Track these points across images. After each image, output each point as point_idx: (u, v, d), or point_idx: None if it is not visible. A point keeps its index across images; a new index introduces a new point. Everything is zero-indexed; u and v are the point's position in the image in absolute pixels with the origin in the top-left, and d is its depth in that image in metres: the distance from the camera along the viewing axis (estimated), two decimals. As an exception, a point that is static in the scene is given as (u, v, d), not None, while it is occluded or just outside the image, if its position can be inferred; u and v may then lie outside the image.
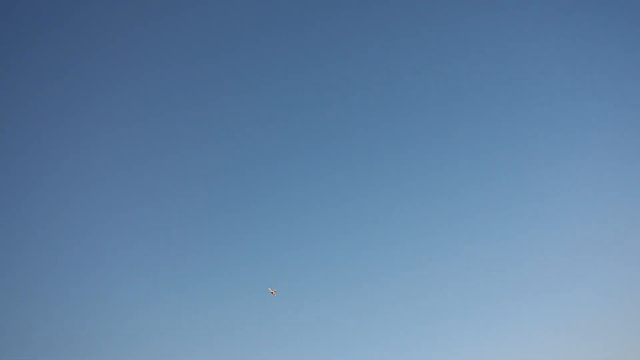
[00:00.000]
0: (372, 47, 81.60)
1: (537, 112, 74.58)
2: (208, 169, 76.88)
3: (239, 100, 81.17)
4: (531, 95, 75.49)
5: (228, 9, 78.46)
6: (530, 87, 75.72)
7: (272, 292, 53.42)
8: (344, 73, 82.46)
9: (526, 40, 75.50)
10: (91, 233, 66.33)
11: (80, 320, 57.79)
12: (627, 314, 55.00)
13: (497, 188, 73.68)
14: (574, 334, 56.37)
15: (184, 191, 73.58)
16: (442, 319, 62.10)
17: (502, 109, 77.75)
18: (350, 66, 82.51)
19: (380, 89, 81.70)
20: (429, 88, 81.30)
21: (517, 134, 75.45)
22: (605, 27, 70.59)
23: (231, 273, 67.47)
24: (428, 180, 76.19)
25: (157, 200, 72.05)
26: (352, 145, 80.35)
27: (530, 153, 73.31)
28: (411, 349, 59.07)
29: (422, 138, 79.58)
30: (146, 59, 76.99)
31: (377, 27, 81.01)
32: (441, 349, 58.42)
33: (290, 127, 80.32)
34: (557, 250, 64.75)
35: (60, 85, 71.60)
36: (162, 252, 67.66)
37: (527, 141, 74.01)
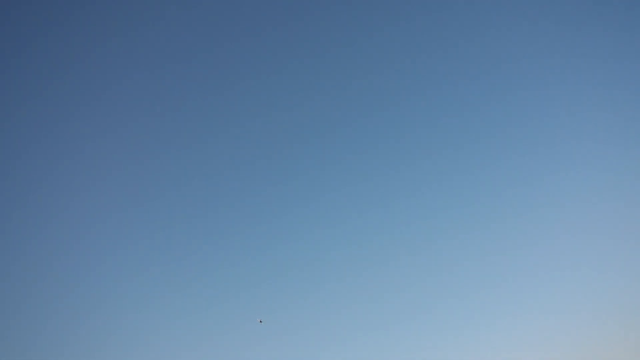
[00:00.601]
0: (371, 46, 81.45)
1: (537, 113, 74.46)
2: (206, 167, 76.61)
3: (238, 98, 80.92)
4: (531, 96, 75.42)
5: (222, 3, 78.32)
6: (530, 88, 75.68)
7: (260, 321, 54.26)
8: (342, 71, 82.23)
9: (526, 41, 75.47)
10: (88, 232, 66.15)
11: (78, 320, 57.66)
12: (628, 315, 55.07)
13: (496, 187, 73.56)
14: (573, 334, 56.42)
15: (182, 189, 73.35)
16: (441, 318, 62.02)
17: (502, 109, 77.61)
18: (349, 65, 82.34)
19: (378, 87, 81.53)
20: (428, 86, 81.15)
21: (517, 133, 75.34)
22: (606, 28, 70.62)
23: (230, 271, 67.32)
24: (426, 178, 76.01)
25: (154, 199, 71.79)
26: (351, 144, 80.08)
27: (530, 153, 73.25)
28: (410, 348, 59.01)
29: (421, 137, 79.38)
30: (141, 57, 76.71)
31: (376, 26, 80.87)
32: (440, 349, 58.38)
33: (289, 126, 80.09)
34: (558, 250, 64.74)
35: (51, 83, 71.29)
36: (160, 250, 67.46)
37: (527, 141, 73.92)
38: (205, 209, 73.10)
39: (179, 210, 72.72)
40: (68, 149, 70.76)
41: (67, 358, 53.95)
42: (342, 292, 66.47)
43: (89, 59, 73.92)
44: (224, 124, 79.60)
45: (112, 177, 71.45)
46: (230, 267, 68.26)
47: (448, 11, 79.66)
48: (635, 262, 59.25)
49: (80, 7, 73.44)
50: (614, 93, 68.40)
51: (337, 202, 75.11)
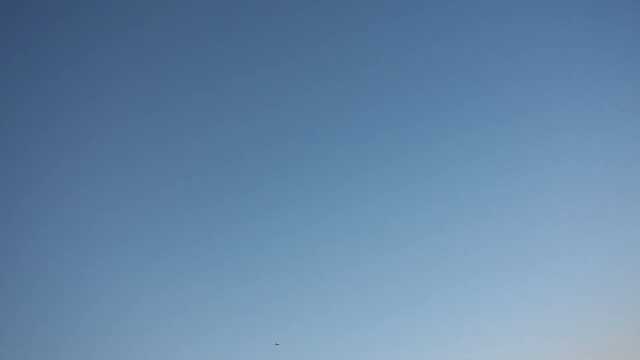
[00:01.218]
0: (363, 39, 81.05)
1: (536, 112, 74.15)
2: (200, 164, 76.34)
3: (236, 97, 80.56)
4: (531, 95, 75.07)
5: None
6: (530, 87, 75.30)
7: (276, 345, 54.25)
8: (332, 64, 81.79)
9: (526, 40, 75.12)
10: (80, 228, 65.97)
11: (75, 318, 57.58)
12: (628, 316, 55.02)
13: (496, 187, 73.32)
14: (573, 335, 56.37)
15: (177, 185, 73.18)
16: (436, 314, 61.99)
17: (498, 103, 77.24)
18: (339, 57, 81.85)
19: (369, 81, 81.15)
20: (422, 80, 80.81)
21: (515, 133, 75.01)
22: (606, 28, 70.29)
23: (224, 268, 67.24)
24: (420, 172, 75.78)
25: (151, 196, 71.54)
26: (342, 139, 79.85)
27: (529, 153, 72.95)
28: (406, 346, 59.02)
29: (414, 131, 79.09)
30: (134, 53, 76.21)
31: (369, 19, 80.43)
32: (436, 346, 58.38)
33: (282, 122, 79.72)
34: (557, 249, 64.59)
35: (39, 80, 70.89)
36: (158, 248, 67.31)
37: (526, 141, 73.63)
38: (199, 206, 72.75)
39: (174, 206, 72.29)
40: (62, 147, 70.31)
41: (66, 358, 53.88)
42: (338, 289, 66.28)
43: (80, 55, 73.29)
44: (219, 120, 79.09)
45: (105, 174, 70.92)
46: (223, 263, 68.05)
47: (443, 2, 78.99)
48: (636, 258, 59.10)
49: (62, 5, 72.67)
50: (614, 87, 68.13)
51: (331, 197, 74.81)
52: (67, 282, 60.39)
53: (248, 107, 78.76)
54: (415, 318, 61.71)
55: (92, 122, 72.30)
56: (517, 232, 67.25)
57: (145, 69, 75.82)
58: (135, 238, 66.49)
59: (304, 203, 73.63)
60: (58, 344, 54.59)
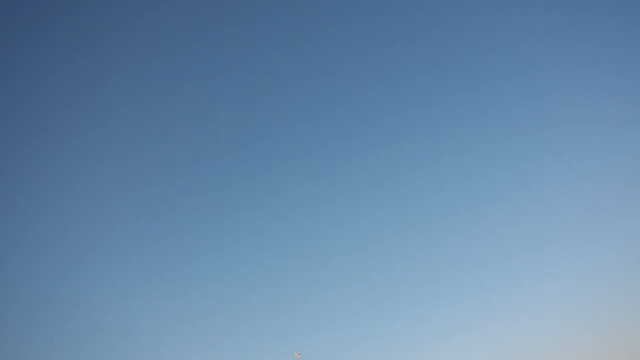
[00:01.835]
0: (367, 44, 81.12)
1: (536, 111, 74.18)
2: (201, 165, 76.29)
3: (235, 97, 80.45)
4: (530, 93, 75.07)
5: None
6: (529, 85, 75.28)
7: (297, 355, 54.04)
8: (338, 69, 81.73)
9: (525, 38, 75.13)
10: (79, 228, 65.80)
11: (74, 320, 57.41)
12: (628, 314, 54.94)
13: (495, 186, 73.32)
14: (573, 335, 56.29)
15: (179, 188, 73.01)
16: (442, 319, 61.82)
17: (500, 106, 77.26)
18: (345, 63, 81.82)
19: (373, 84, 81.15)
20: (425, 84, 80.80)
21: (515, 133, 75.01)
22: (606, 26, 70.32)
23: (228, 271, 67.06)
24: (425, 179, 75.71)
25: (149, 194, 71.36)
26: (350, 144, 79.72)
27: (531, 155, 72.94)
28: (411, 350, 58.89)
29: (419, 137, 79.05)
30: (124, 47, 76.06)
31: (373, 24, 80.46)
32: (440, 350, 58.23)
33: (292, 127, 79.69)
34: (557, 249, 64.55)
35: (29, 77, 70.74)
36: (159, 251, 67.14)
37: (528, 142, 73.58)
38: (203, 208, 72.58)
39: (172, 204, 72.06)
40: (55, 145, 70.05)
41: (65, 357, 53.72)
42: (344, 294, 66.12)
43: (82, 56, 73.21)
44: (218, 121, 78.93)
45: (101, 171, 70.67)
46: (228, 266, 67.89)
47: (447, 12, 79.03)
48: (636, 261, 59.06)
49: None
50: (615, 81, 68.11)
51: (338, 203, 74.63)
52: (61, 282, 60.25)
53: (244, 104, 78.53)
54: (415, 318, 61.66)
55: (86, 119, 72.05)
56: (519, 228, 67.16)
57: (139, 64, 75.52)
58: (131, 236, 66.40)
59: (311, 208, 73.47)
60: (55, 344, 54.48)
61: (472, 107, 76.64)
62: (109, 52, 75.25)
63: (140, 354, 55.55)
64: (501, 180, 72.16)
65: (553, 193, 67.96)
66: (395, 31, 79.83)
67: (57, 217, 65.94)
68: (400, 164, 76.20)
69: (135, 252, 65.58)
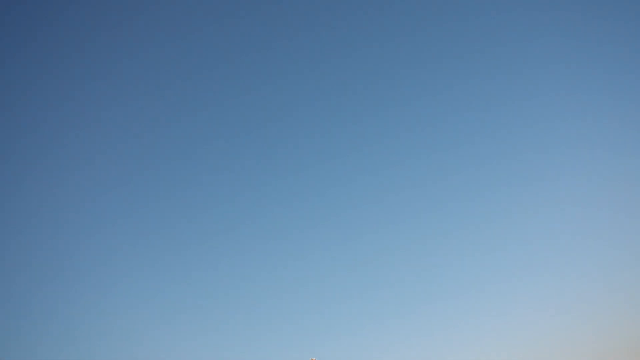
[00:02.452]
0: (366, 43, 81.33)
1: (536, 112, 74.42)
2: (198, 163, 76.59)
3: (235, 98, 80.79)
4: (531, 94, 75.19)
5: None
6: (528, 82, 75.55)
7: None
8: (332, 65, 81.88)
9: (525, 38, 75.36)
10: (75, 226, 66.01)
11: (76, 319, 57.60)
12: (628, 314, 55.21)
13: (493, 183, 73.66)
14: (572, 334, 56.55)
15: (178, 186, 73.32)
16: (438, 317, 62.13)
17: (501, 108, 77.49)
18: (344, 62, 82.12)
19: (373, 84, 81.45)
20: (425, 83, 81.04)
21: (516, 132, 75.20)
22: (606, 27, 70.52)
23: (223, 268, 67.38)
24: (421, 175, 76.03)
25: (151, 197, 71.64)
26: (344, 140, 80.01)
27: (529, 152, 73.08)
28: (406, 347, 59.21)
29: (417, 134, 79.25)
30: (123, 49, 76.19)
31: (373, 23, 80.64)
32: (436, 348, 58.56)
33: (285, 124, 79.95)
34: (557, 248, 64.85)
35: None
36: (157, 248, 67.43)
37: (526, 140, 73.78)
38: (199, 205, 72.89)
39: (170, 203, 72.39)
40: (52, 145, 70.15)
41: (63, 357, 53.90)
42: (339, 290, 66.43)
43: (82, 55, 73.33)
44: (212, 117, 79.16)
45: (95, 171, 70.84)
46: (222, 263, 68.21)
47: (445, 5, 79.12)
48: (636, 261, 59.33)
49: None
50: (615, 92, 68.46)
51: (332, 199, 74.93)
52: (58, 281, 60.41)
53: (253, 108, 78.84)
54: (415, 319, 62.01)
55: (82, 118, 72.13)
56: (524, 236, 67.25)
57: (129, 61, 75.48)
58: (128, 235, 66.65)
59: (303, 204, 73.72)
60: (52, 343, 54.68)
61: (471, 103, 76.90)
62: (99, 48, 75.26)
63: (140, 354, 56.02)
64: (499, 177, 72.49)
65: (551, 190, 68.41)
66: (388, 27, 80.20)
67: (50, 214, 66.32)
68: (400, 164, 76.75)
69: (134, 252, 66.10)
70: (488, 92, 78.51)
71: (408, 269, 68.72)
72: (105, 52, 77.42)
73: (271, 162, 79.61)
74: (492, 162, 75.03)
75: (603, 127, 69.14)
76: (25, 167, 69.84)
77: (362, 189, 77.03)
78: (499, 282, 64.79)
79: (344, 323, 63.79)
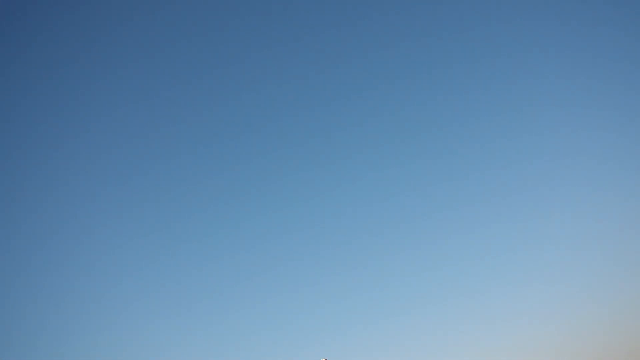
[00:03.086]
0: (366, 44, 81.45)
1: (535, 112, 74.59)
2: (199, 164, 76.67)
3: (235, 100, 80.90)
4: (533, 94, 75.38)
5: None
6: (534, 91, 75.76)
7: None
8: (333, 65, 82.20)
9: (530, 42, 75.52)
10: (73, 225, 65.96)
11: (75, 319, 57.62)
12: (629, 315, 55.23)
13: (494, 187, 73.78)
14: (572, 335, 56.56)
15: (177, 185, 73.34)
16: (438, 317, 62.19)
17: (502, 109, 77.64)
18: (344, 63, 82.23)
19: (373, 84, 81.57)
20: (424, 85, 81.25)
21: (517, 133, 75.33)
22: (605, 27, 70.60)
23: (222, 267, 67.43)
24: (422, 175, 76.13)
25: (151, 196, 71.69)
26: (345, 140, 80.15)
27: (529, 153, 73.26)
28: (406, 347, 59.27)
29: (417, 135, 79.40)
30: (122, 49, 76.24)
31: (376, 25, 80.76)
32: (436, 349, 58.60)
33: (286, 124, 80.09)
34: (558, 249, 64.90)
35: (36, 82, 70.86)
36: (156, 248, 67.50)
37: (526, 141, 73.95)
38: (199, 204, 72.91)
39: (168, 202, 72.41)
40: (50, 146, 70.14)
41: (62, 357, 53.91)
42: (339, 290, 66.47)
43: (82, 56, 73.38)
44: (212, 117, 79.28)
45: (95, 171, 70.84)
46: (223, 263, 68.22)
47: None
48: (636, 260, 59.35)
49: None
50: (614, 92, 68.53)
51: (335, 199, 74.99)
52: (56, 280, 60.42)
53: (254, 110, 78.88)
54: (416, 319, 62.05)
55: (81, 118, 72.12)
56: (525, 237, 67.43)
57: (128, 62, 75.51)
58: (128, 235, 66.64)
59: (304, 204, 73.71)
60: (52, 343, 54.66)
61: (473, 106, 77.03)
62: (99, 48, 75.19)
63: (140, 354, 56.03)
64: (500, 179, 72.66)
65: (552, 193, 68.46)
66: (392, 29, 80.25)
67: (49, 213, 66.31)
68: (403, 166, 76.83)
69: (135, 250, 66.10)
70: (491, 95, 78.60)
71: (410, 270, 68.71)
72: (106, 52, 77.57)
73: (271, 162, 79.67)
74: (493, 165, 75.13)
75: (606, 130, 69.34)
76: (25, 167, 70.00)
77: (364, 189, 76.97)
78: (500, 283, 64.65)
79: (344, 323, 63.85)
